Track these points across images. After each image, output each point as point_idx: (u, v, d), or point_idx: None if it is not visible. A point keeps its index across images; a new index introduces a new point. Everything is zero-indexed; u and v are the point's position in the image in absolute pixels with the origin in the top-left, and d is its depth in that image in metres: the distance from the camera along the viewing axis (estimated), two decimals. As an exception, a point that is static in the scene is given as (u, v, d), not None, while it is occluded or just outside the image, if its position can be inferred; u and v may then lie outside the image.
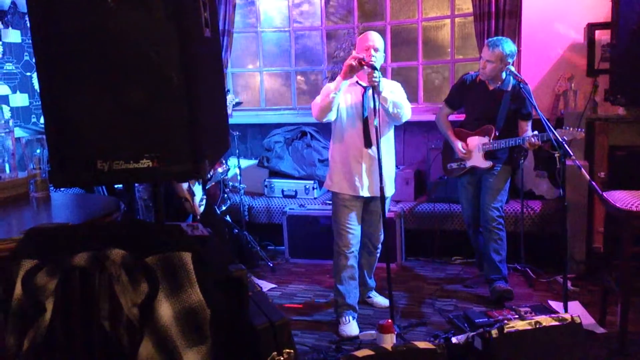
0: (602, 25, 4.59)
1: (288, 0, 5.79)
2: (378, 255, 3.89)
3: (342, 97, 3.46)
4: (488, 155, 3.90)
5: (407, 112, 3.52)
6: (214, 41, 2.00)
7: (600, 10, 4.59)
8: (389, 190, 3.62)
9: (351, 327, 3.57)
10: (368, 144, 3.50)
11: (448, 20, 5.37)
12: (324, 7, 5.70)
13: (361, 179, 3.54)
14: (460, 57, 5.38)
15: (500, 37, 3.84)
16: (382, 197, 3.27)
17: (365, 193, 3.56)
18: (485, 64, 3.79)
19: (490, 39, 3.84)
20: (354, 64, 3.29)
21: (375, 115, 3.24)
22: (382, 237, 3.78)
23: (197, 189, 3.80)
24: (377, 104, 3.26)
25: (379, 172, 3.25)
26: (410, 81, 5.49)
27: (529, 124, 3.89)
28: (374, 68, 3.26)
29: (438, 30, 5.51)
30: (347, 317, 3.60)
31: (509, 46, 3.72)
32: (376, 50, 3.41)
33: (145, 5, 1.61)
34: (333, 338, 3.50)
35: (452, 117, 4.25)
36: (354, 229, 3.60)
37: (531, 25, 4.77)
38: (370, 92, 3.32)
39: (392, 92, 3.46)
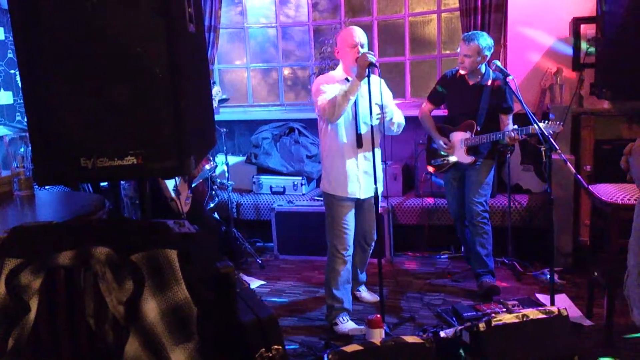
0: (587, 20, 4.61)
1: (274, -5, 5.77)
2: (371, 251, 3.89)
3: (336, 91, 3.38)
4: (470, 150, 3.92)
5: (403, 120, 3.61)
6: (198, 37, 1.99)
7: (586, 4, 4.61)
8: (380, 189, 3.56)
9: (349, 324, 3.53)
10: (359, 144, 3.48)
11: (434, 16, 5.37)
12: (310, 2, 5.68)
13: (358, 180, 3.51)
14: (447, 52, 5.39)
15: (475, 31, 3.89)
16: (376, 197, 3.28)
17: (362, 195, 3.54)
18: (463, 59, 3.83)
19: (465, 34, 3.90)
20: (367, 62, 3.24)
21: (370, 113, 3.27)
22: (375, 235, 3.76)
23: (182, 187, 3.78)
24: (371, 101, 3.27)
25: (374, 172, 3.26)
26: (398, 76, 5.50)
27: (510, 117, 3.91)
28: (375, 66, 3.24)
29: (425, 26, 5.52)
30: (344, 318, 3.55)
31: (484, 40, 3.75)
32: (362, 46, 3.39)
33: (129, 1, 1.59)
34: (322, 334, 3.50)
35: (437, 112, 4.26)
36: (351, 229, 3.56)
37: (517, 20, 4.79)
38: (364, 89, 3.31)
39: (383, 91, 3.45)
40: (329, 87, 3.41)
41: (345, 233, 3.52)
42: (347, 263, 3.55)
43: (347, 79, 3.46)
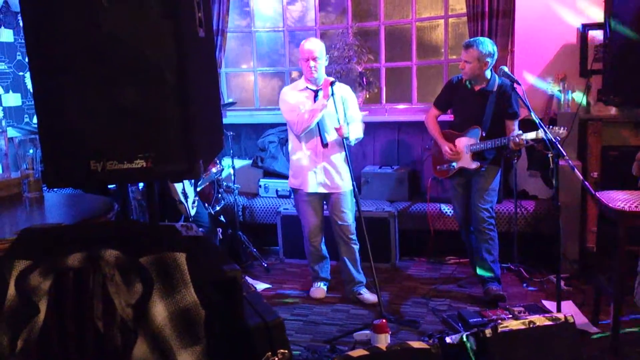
0: (595, 26, 4.61)
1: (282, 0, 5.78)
2: (356, 246, 4.03)
3: (298, 101, 3.88)
4: (475, 156, 3.91)
5: (361, 134, 4.00)
6: (208, 41, 2.00)
7: (594, 11, 4.61)
8: (347, 185, 3.94)
9: (319, 291, 4.18)
10: (325, 144, 3.90)
11: (442, 21, 5.38)
12: (317, 7, 5.70)
13: (316, 177, 3.90)
14: (454, 58, 5.38)
15: (476, 38, 3.89)
16: (356, 193, 3.77)
17: (321, 190, 3.91)
18: (463, 65, 3.85)
19: (466, 40, 3.91)
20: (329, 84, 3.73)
21: (337, 114, 3.71)
22: (351, 228, 4.01)
23: (189, 190, 3.79)
24: (336, 107, 3.72)
25: (349, 170, 3.72)
26: (404, 81, 5.50)
27: (516, 123, 3.90)
28: (335, 82, 3.77)
29: (432, 31, 5.52)
30: (318, 283, 4.22)
31: (484, 46, 3.75)
32: (314, 59, 3.76)
33: (139, 5, 1.60)
34: (328, 338, 3.50)
35: (444, 117, 4.27)
36: (316, 220, 4.02)
37: (525, 26, 4.78)
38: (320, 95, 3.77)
39: (346, 99, 3.92)
40: (293, 95, 3.90)
41: (308, 223, 4.03)
42: (316, 246, 4.09)
43: (307, 87, 3.87)
